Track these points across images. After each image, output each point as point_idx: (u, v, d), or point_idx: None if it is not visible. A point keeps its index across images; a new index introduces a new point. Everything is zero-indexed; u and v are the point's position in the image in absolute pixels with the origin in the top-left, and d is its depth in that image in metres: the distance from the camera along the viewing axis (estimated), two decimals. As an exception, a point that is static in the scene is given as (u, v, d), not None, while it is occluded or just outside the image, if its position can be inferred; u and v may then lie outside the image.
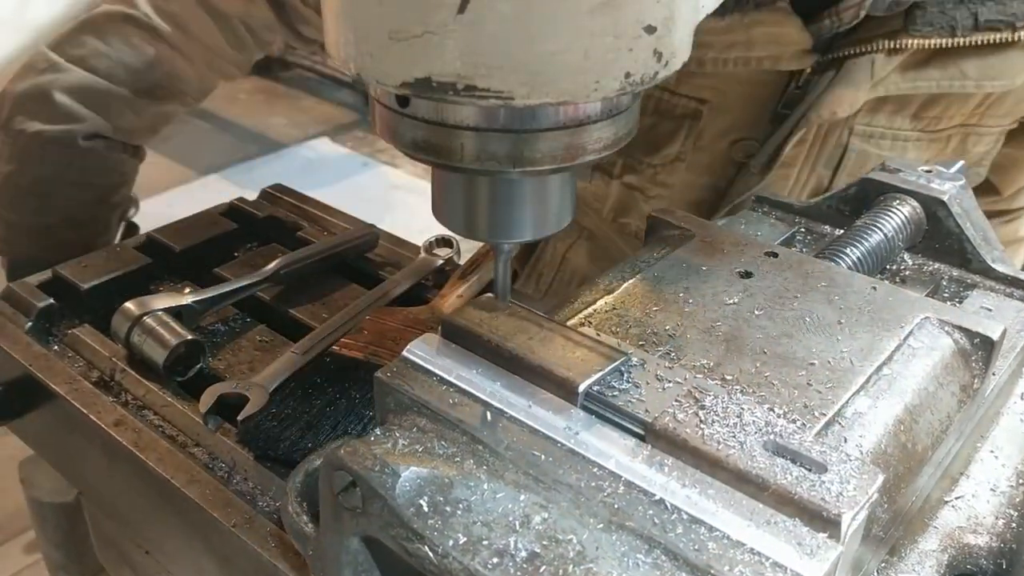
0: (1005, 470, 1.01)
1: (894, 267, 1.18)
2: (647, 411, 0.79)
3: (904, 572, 0.89)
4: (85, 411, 1.15)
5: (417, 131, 0.77)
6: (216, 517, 1.01)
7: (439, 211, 0.87)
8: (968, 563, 0.94)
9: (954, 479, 1.00)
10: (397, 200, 5.40)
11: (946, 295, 1.15)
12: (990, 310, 1.10)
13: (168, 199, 5.26)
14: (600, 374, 0.83)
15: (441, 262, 1.42)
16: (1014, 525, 0.94)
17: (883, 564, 0.89)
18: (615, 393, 0.82)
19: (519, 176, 0.80)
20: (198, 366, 1.23)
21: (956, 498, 0.98)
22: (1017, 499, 0.98)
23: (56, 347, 1.29)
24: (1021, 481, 1.00)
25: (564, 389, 0.82)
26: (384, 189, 5.61)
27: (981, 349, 0.95)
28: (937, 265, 1.18)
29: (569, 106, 0.75)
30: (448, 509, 0.75)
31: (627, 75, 0.71)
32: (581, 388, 0.82)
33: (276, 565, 0.96)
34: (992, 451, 1.04)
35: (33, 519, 1.53)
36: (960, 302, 1.12)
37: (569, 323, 0.93)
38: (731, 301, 0.97)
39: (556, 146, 0.76)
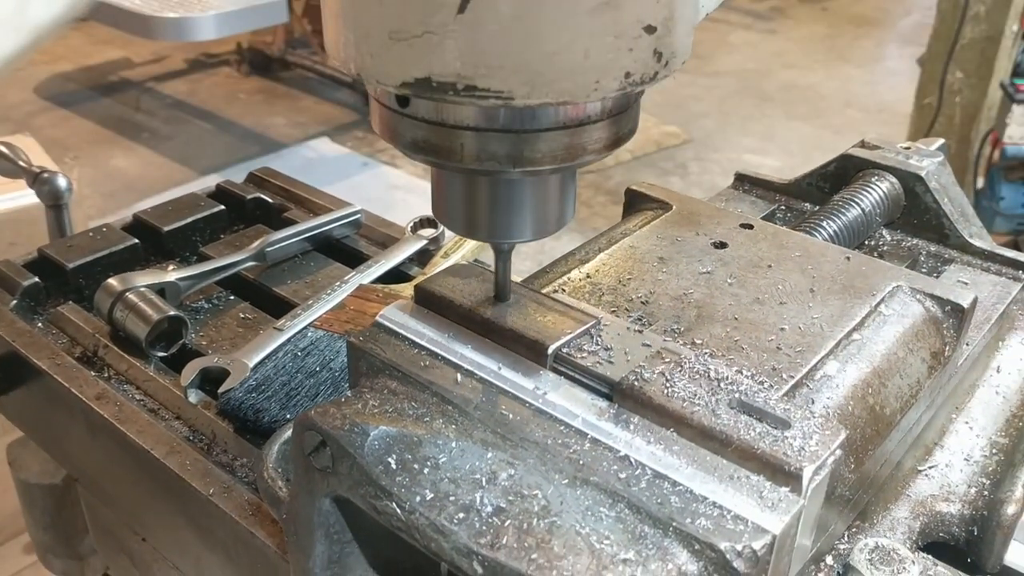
0: (979, 440, 1.02)
1: (872, 242, 1.19)
2: (614, 372, 0.80)
3: (875, 537, 0.89)
4: (67, 385, 1.15)
5: (417, 131, 0.76)
6: (195, 487, 1.02)
7: (439, 211, 0.85)
8: (940, 530, 0.95)
9: (928, 449, 1.00)
10: (397, 200, 5.41)
11: (924, 270, 1.16)
12: (966, 284, 1.10)
13: (168, 199, 5.26)
14: (570, 336, 0.83)
15: (425, 242, 1.43)
16: (986, 493, 0.95)
17: (853, 529, 0.90)
18: (584, 355, 0.82)
19: (519, 176, 0.79)
20: (181, 342, 1.23)
21: (930, 467, 0.99)
22: (990, 468, 0.98)
23: (40, 324, 1.30)
24: (995, 451, 1.00)
25: (534, 351, 0.83)
26: (384, 189, 5.61)
27: (952, 317, 0.95)
28: (915, 240, 1.19)
29: (569, 106, 0.75)
30: (416, 467, 0.75)
31: (627, 75, 0.71)
32: (550, 350, 0.82)
33: (253, 533, 0.97)
34: (967, 422, 1.04)
35: (21, 501, 1.53)
36: (938, 276, 1.13)
37: (543, 291, 0.94)
38: (704, 270, 0.98)
39: (556, 146, 0.76)
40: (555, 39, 0.67)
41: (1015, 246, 4.13)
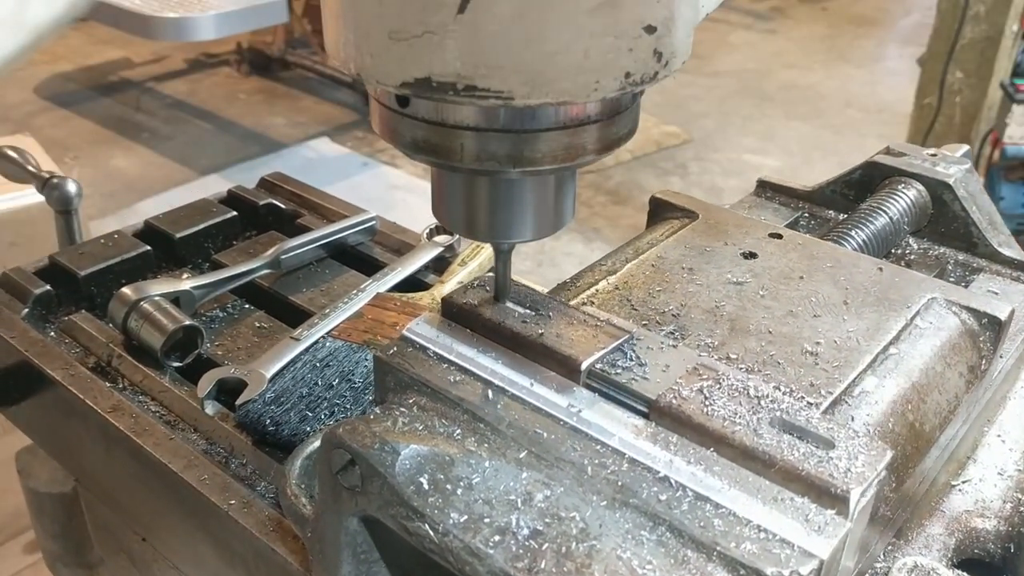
0: (1012, 454, 1.00)
1: (899, 251, 1.17)
2: (651, 389, 0.78)
3: (911, 555, 0.87)
4: (82, 397, 1.13)
5: (417, 131, 0.76)
6: (213, 501, 1.00)
7: (439, 211, 0.85)
8: (975, 547, 0.93)
9: (961, 463, 0.99)
10: (397, 200, 5.39)
11: (952, 279, 1.14)
12: (996, 293, 1.09)
13: (168, 199, 5.25)
14: (603, 352, 0.82)
15: (441, 249, 1.41)
16: (1022, 509, 0.93)
17: (889, 547, 0.88)
18: (618, 371, 0.80)
19: (519, 176, 0.79)
20: (196, 352, 1.21)
21: (963, 482, 0.97)
22: (1025, 483, 0.96)
23: (53, 333, 1.28)
24: (1029, 465, 0.99)
25: (566, 367, 0.81)
26: (384, 189, 5.59)
27: (989, 329, 0.93)
28: (943, 249, 1.17)
29: (569, 106, 0.74)
30: (449, 487, 0.73)
31: (627, 75, 0.70)
32: (584, 366, 0.80)
33: (274, 549, 0.95)
34: (999, 435, 1.02)
35: (30, 510, 1.51)
36: (966, 286, 1.11)
37: (572, 303, 0.92)
38: (735, 282, 0.96)
39: (556, 146, 0.75)
40: (555, 39, 0.66)
41: (1017, 247, 4.12)
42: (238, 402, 1.10)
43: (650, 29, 0.69)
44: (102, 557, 1.50)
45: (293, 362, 1.16)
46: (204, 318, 1.30)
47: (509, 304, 0.88)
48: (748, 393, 0.77)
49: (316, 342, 1.19)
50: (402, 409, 0.80)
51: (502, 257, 0.87)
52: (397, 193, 5.54)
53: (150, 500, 1.14)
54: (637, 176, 5.76)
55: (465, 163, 0.76)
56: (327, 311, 1.25)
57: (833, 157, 6.16)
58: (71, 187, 1.52)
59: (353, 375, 1.12)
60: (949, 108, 4.73)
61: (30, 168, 1.55)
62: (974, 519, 0.93)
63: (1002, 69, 4.52)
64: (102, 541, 1.41)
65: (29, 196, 3.04)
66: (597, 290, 0.96)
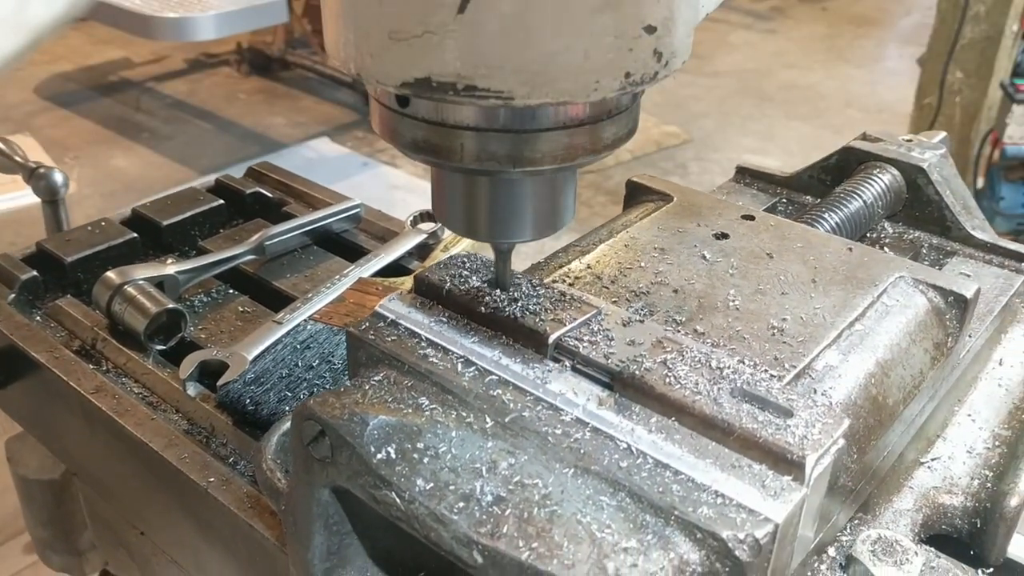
0: (982, 432, 1.01)
1: (874, 235, 1.19)
2: (616, 361, 0.79)
3: (878, 529, 0.88)
4: (65, 378, 1.15)
5: (417, 131, 0.76)
6: (193, 479, 1.01)
7: (439, 211, 0.85)
8: (943, 523, 0.94)
9: (931, 441, 1.00)
10: (397, 200, 5.40)
11: (926, 262, 1.15)
12: (968, 276, 1.10)
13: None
14: (571, 326, 0.83)
15: (425, 236, 1.42)
16: (989, 485, 0.94)
17: (856, 521, 0.89)
18: (584, 344, 0.82)
19: (519, 176, 0.79)
20: (179, 335, 1.23)
21: (932, 459, 0.98)
22: (993, 460, 0.97)
23: (39, 318, 1.29)
24: (998, 443, 1.00)
25: (534, 341, 0.82)
26: (384, 189, 5.60)
27: (955, 308, 0.95)
28: (917, 233, 1.19)
29: (569, 106, 0.74)
30: (415, 456, 0.75)
31: (627, 75, 0.71)
32: (551, 339, 0.82)
33: (251, 525, 0.96)
34: (970, 414, 1.04)
35: (20, 497, 1.53)
36: (940, 269, 1.12)
37: (544, 281, 0.94)
38: (706, 261, 0.98)
39: (556, 146, 0.75)
40: (555, 39, 0.66)
41: (1016, 246, 4.13)
42: (219, 383, 1.11)
43: (650, 29, 0.70)
44: (93, 543, 1.51)
45: (275, 344, 1.17)
46: (188, 303, 1.31)
47: (479, 282, 0.89)
48: (710, 365, 0.78)
49: (297, 325, 1.20)
50: (372, 382, 0.82)
51: (502, 257, 0.88)
52: (397, 193, 5.55)
53: (133, 480, 1.15)
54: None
55: (465, 163, 0.76)
56: (310, 295, 1.26)
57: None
58: (57, 177, 1.53)
59: (333, 356, 1.14)
60: (949, 108, 4.74)
61: (17, 159, 1.56)
62: (942, 495, 0.94)
63: (1002, 69, 4.53)
64: (100, 535, 1.43)
65: (28, 196, 3.07)
66: (569, 269, 0.98)
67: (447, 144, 0.75)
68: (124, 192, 5.38)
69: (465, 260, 0.92)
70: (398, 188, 5.61)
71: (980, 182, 4.58)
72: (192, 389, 1.13)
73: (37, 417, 1.34)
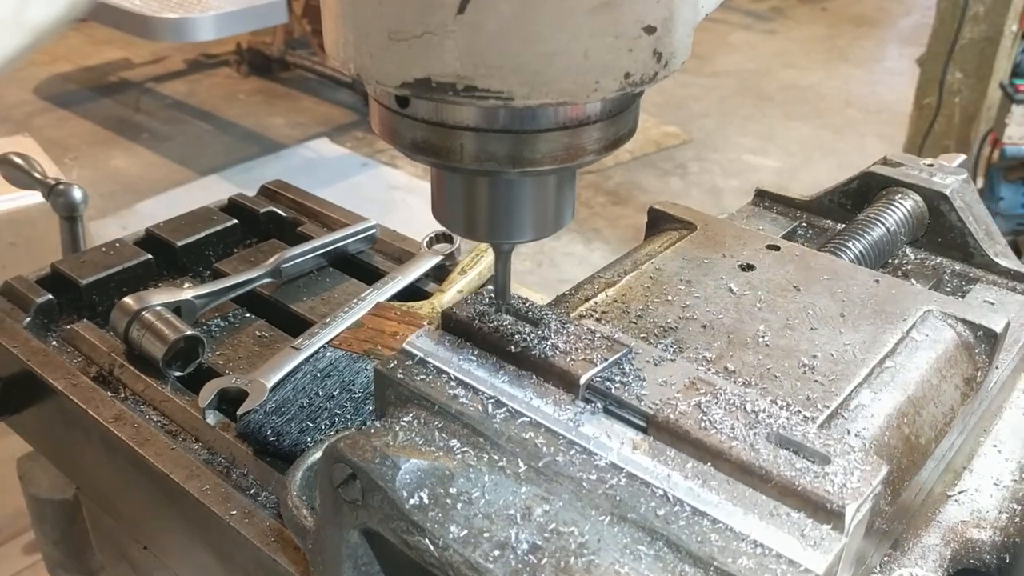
0: (1008, 464, 1.01)
1: (896, 261, 1.18)
2: (649, 403, 0.79)
3: (907, 566, 0.88)
4: (84, 407, 1.14)
5: (417, 131, 0.76)
6: (215, 512, 1.01)
7: (439, 212, 0.85)
8: (971, 557, 0.93)
9: (957, 473, 0.99)
10: (397, 200, 5.39)
11: (948, 289, 1.14)
12: (992, 304, 1.09)
13: (168, 200, 5.25)
14: (602, 366, 0.82)
15: (441, 258, 1.42)
16: (1017, 519, 0.94)
17: (886, 558, 0.89)
18: (616, 385, 0.81)
19: (519, 176, 0.79)
20: (197, 361, 1.22)
21: (959, 492, 0.98)
22: (1020, 493, 0.97)
23: (55, 342, 1.28)
24: (1024, 475, 0.99)
25: (565, 381, 0.82)
26: (384, 189, 5.59)
27: (984, 342, 0.94)
28: (939, 259, 1.18)
29: (569, 106, 0.74)
30: (449, 502, 0.74)
31: (627, 75, 0.71)
32: (582, 380, 0.81)
33: (275, 559, 0.96)
34: (995, 445, 1.03)
35: (32, 516, 1.52)
36: (963, 296, 1.12)
37: (571, 316, 0.93)
38: (733, 294, 0.97)
39: (556, 146, 0.75)
40: (555, 39, 0.67)
41: (1015, 246, 4.14)
42: (239, 412, 1.10)
43: (649, 29, 0.70)
44: (103, 564, 1.51)
45: (294, 372, 1.17)
46: (205, 327, 1.30)
47: (508, 317, 0.88)
48: (745, 408, 0.77)
49: (317, 352, 1.20)
50: (403, 423, 0.81)
51: (502, 258, 0.88)
52: (397, 194, 5.54)
53: (152, 509, 1.15)
54: (637, 176, 5.77)
55: (465, 163, 0.76)
56: (327, 320, 1.25)
57: (833, 157, 6.17)
58: (76, 193, 1.52)
59: (353, 385, 1.13)
60: (948, 108, 4.74)
61: (36, 175, 1.56)
62: (970, 529, 0.94)
63: (1001, 69, 4.53)
64: (104, 548, 1.42)
65: (28, 197, 3.05)
66: (596, 302, 0.97)
67: (447, 145, 0.76)
68: (123, 193, 5.36)
69: (492, 295, 0.91)
70: (398, 189, 5.61)
71: (979, 182, 4.58)
72: (211, 417, 1.12)
73: (52, 441, 1.33)
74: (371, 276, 1.41)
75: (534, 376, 0.83)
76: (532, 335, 0.85)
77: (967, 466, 1.00)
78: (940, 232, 1.17)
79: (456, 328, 0.89)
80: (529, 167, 0.76)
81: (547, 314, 0.89)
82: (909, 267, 1.17)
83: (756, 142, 6.51)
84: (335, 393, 1.12)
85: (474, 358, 0.86)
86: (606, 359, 0.83)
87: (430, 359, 0.86)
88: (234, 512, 1.01)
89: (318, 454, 0.92)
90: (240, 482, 1.06)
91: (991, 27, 4.45)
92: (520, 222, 0.83)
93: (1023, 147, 4.50)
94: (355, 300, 1.30)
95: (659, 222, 1.13)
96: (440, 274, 1.42)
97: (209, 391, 1.13)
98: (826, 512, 0.69)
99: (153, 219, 1.55)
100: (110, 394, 1.17)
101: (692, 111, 6.86)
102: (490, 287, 0.92)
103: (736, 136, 6.60)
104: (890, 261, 1.17)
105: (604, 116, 0.77)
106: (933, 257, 1.18)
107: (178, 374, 1.21)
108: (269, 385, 1.14)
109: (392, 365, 0.85)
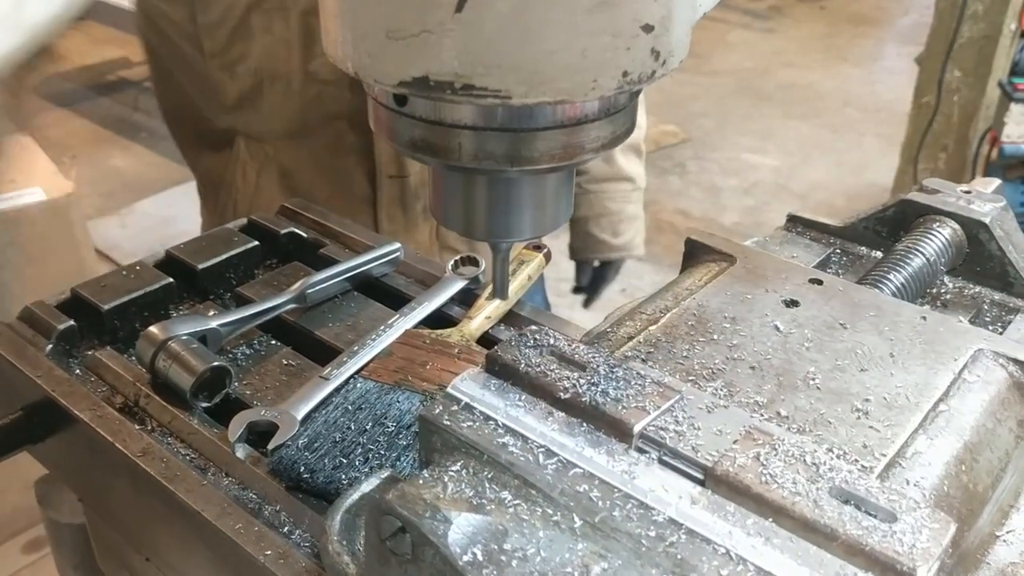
0: (1056, 502, 0.99)
1: (935, 290, 1.16)
2: (705, 454, 0.77)
3: (961, 615, 0.86)
4: (111, 439, 1.12)
5: (415, 130, 0.77)
6: (249, 552, 0.99)
7: (437, 210, 0.87)
8: (1022, 600, 0.92)
9: (1005, 512, 0.98)
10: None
11: (987, 319, 1.13)
12: (1037, 337, 1.08)
13: (168, 199, 5.23)
14: (655, 414, 0.80)
15: (466, 282, 1.40)
16: (1068, 561, 0.92)
17: (939, 605, 0.87)
18: (671, 434, 0.79)
19: (517, 175, 0.80)
20: (224, 391, 1.20)
21: (1007, 532, 0.96)
22: (1070, 533, 0.95)
23: (78, 371, 1.26)
24: (1072, 514, 0.98)
25: (618, 430, 0.80)
26: (383, 189, 5.57)
27: (1037, 382, 0.92)
28: (978, 288, 1.16)
29: (567, 105, 0.75)
30: (504, 558, 0.72)
31: (625, 74, 0.71)
32: (636, 429, 0.79)
33: (313, 603, 0.94)
34: (1041, 482, 1.01)
35: (50, 539, 1.51)
36: (1003, 326, 1.10)
37: (615, 355, 0.91)
38: (779, 333, 0.95)
39: (554, 145, 0.76)
40: (553, 38, 0.67)
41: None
42: (270, 446, 1.08)
43: (648, 28, 0.70)
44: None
45: (324, 403, 1.15)
46: (231, 355, 1.28)
47: (554, 359, 0.86)
48: (805, 460, 0.76)
49: (346, 382, 1.18)
50: (451, 472, 0.79)
51: (500, 256, 0.88)
52: (396, 193, 5.52)
53: (181, 545, 1.12)
54: (637, 176, 5.75)
55: (463, 162, 0.77)
56: (355, 348, 1.23)
57: (831, 156, 6.17)
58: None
59: (386, 418, 1.11)
60: (947, 107, 4.75)
61: None
62: (1020, 571, 0.92)
63: (1000, 68, 4.54)
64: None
65: (28, 196, 3.03)
66: (639, 341, 0.95)
67: (445, 143, 0.76)
68: (122, 191, 5.35)
69: (537, 336, 0.89)
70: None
71: (978, 181, 4.58)
72: (241, 451, 1.10)
73: (75, 471, 1.31)
74: (396, 300, 1.39)
75: (584, 424, 0.81)
76: (581, 380, 0.84)
77: (1014, 504, 0.99)
78: (979, 261, 1.16)
79: (501, 371, 0.87)
80: (527, 165, 0.76)
81: (594, 356, 0.87)
82: (948, 296, 1.15)
83: (754, 141, 6.51)
84: (367, 427, 1.10)
85: (522, 404, 0.84)
86: (659, 407, 0.81)
87: (476, 404, 0.84)
88: (268, 552, 0.99)
89: (356, 496, 0.91)
90: (272, 520, 1.04)
91: (990, 26, 4.46)
92: (518, 220, 0.84)
93: (1022, 145, 4.52)
94: (382, 327, 1.28)
95: (697, 253, 1.12)
96: (466, 298, 1.39)
97: (239, 424, 1.11)
98: (896, 573, 0.68)
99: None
100: (137, 426, 1.15)
101: (690, 110, 6.86)
102: (533, 327, 0.90)
103: (734, 135, 6.61)
104: (929, 290, 1.16)
105: (602, 114, 0.77)
106: (972, 286, 1.16)
107: (205, 404, 1.19)
108: (299, 417, 1.12)
109: (438, 411, 0.84)
